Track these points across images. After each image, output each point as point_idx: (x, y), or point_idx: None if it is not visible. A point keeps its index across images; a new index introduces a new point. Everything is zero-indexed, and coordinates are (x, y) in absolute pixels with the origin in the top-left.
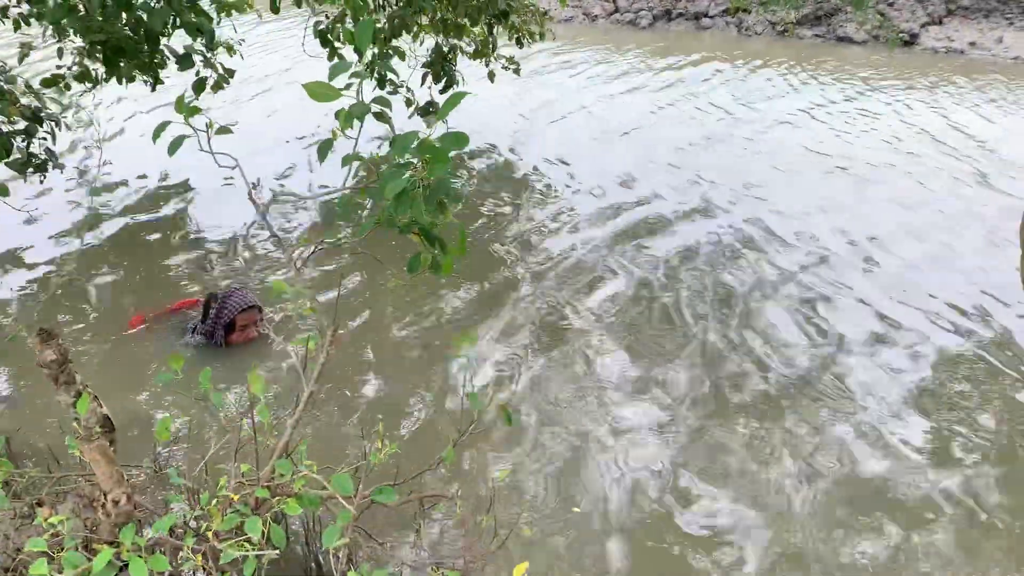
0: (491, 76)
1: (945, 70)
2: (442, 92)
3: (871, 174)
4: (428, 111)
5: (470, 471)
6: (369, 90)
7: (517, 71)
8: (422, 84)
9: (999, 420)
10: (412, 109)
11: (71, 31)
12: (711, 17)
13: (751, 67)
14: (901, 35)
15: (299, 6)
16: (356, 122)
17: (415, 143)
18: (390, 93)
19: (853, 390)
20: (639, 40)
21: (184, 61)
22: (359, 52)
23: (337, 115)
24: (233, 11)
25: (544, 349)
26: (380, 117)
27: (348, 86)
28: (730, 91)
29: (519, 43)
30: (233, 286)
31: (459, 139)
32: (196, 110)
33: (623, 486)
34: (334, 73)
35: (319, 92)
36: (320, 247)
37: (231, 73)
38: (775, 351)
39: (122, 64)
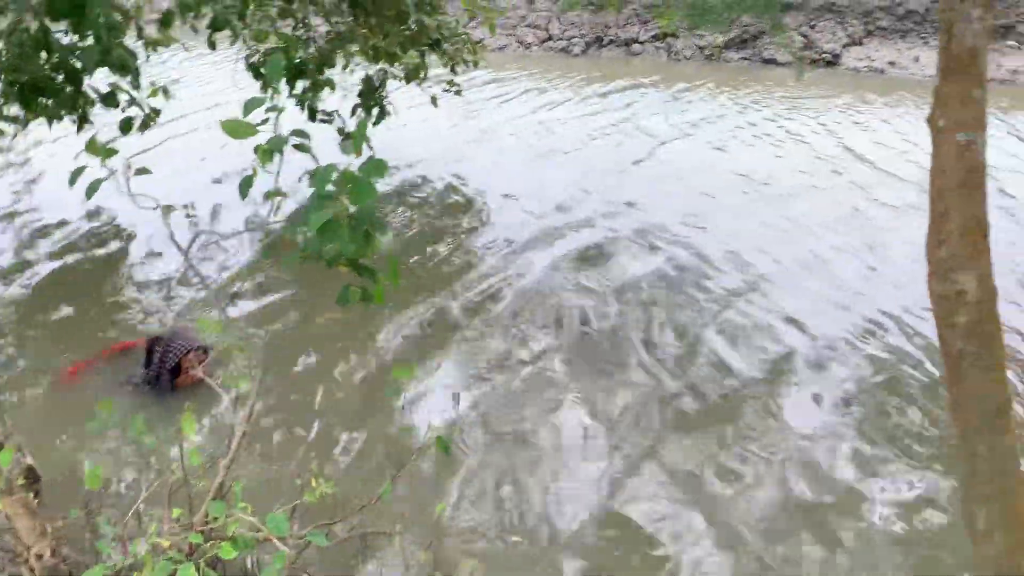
0: (434, 100)
1: (866, 88)
2: (375, 124)
3: (797, 194)
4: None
5: (410, 505)
6: (300, 122)
7: (459, 92)
8: (352, 115)
9: (924, 431)
10: (343, 139)
11: None
12: (641, 43)
13: (678, 91)
14: (823, 56)
15: (234, 42)
16: (277, 156)
17: (335, 174)
18: (323, 121)
19: (784, 411)
20: (572, 67)
21: (108, 100)
22: (274, 86)
23: (256, 150)
24: (158, 46)
25: (482, 377)
26: (301, 148)
27: (265, 121)
28: (660, 115)
29: (453, 71)
30: (175, 328)
31: (379, 167)
32: (112, 152)
33: (566, 514)
34: (249, 109)
35: (236, 129)
36: (244, 284)
37: (157, 112)
38: (714, 373)
39: (43, 104)
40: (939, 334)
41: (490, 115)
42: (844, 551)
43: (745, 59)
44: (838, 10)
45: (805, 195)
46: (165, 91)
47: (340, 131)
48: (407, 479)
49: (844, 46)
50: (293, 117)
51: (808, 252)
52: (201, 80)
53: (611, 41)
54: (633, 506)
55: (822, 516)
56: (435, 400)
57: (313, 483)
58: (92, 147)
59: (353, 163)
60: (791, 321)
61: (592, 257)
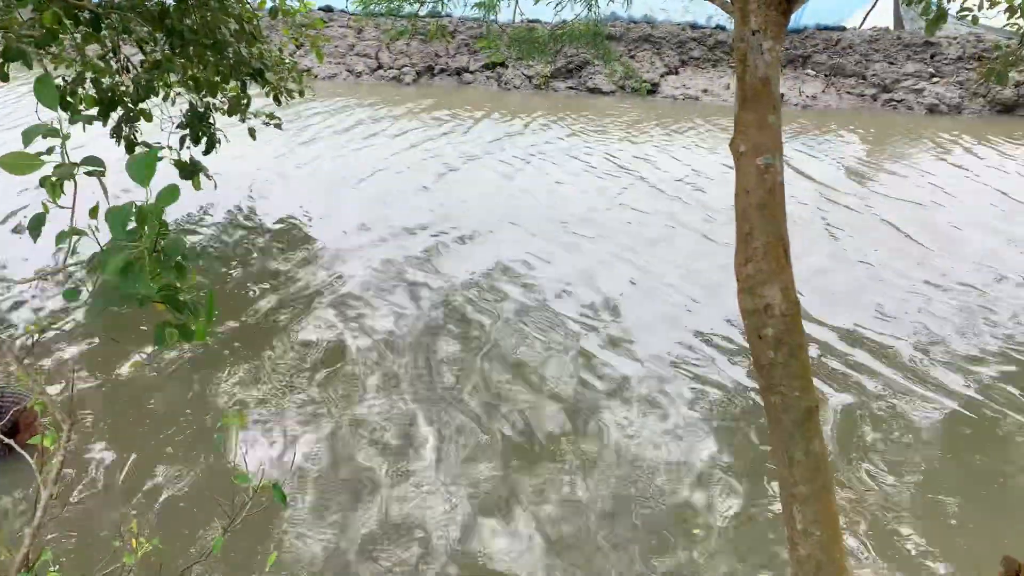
0: (251, 133)
1: (680, 115)
2: (205, 153)
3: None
4: (193, 171)
5: (244, 557)
6: (120, 154)
7: (279, 126)
8: (181, 147)
9: (740, 447)
10: (178, 168)
11: None
12: (472, 72)
13: (503, 119)
14: (645, 84)
15: (29, 68)
16: (70, 188)
17: (132, 212)
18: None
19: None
20: (404, 96)
21: None
22: (114, 108)
23: (42, 184)
24: None
25: (322, 418)
26: (93, 174)
27: (50, 150)
28: (473, 141)
29: (277, 100)
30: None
31: (170, 193)
32: None
33: (411, 557)
34: (29, 137)
35: (17, 164)
36: (45, 333)
37: None
38: (537, 400)
39: None
40: (750, 346)
41: (319, 145)
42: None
43: (572, 88)
44: (655, 41)
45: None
46: None
47: (177, 163)
48: (240, 529)
49: (662, 75)
50: (110, 151)
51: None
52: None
53: (442, 70)
54: (487, 541)
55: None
56: (266, 443)
57: (134, 543)
58: None
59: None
60: (619, 344)
61: (401, 277)
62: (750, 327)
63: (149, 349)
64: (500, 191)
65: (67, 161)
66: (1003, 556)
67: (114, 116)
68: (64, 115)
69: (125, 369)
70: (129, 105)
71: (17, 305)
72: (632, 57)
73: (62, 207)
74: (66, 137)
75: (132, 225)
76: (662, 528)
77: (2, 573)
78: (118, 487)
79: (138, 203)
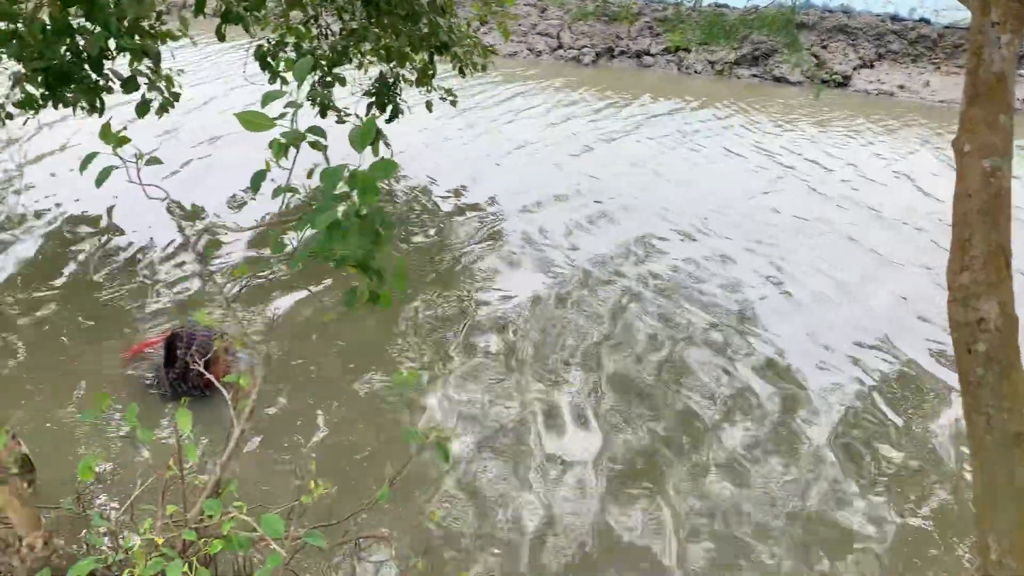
0: (428, 106)
1: (871, 110)
2: (388, 121)
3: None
4: (375, 138)
5: (406, 510)
6: (311, 118)
7: (454, 103)
8: (367, 113)
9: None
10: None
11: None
12: (652, 55)
13: (693, 106)
14: (834, 77)
15: (247, 31)
16: (291, 151)
17: (345, 173)
18: (337, 122)
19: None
20: (582, 77)
21: (128, 84)
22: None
23: (270, 145)
24: (168, 39)
25: (486, 384)
26: (315, 146)
27: (282, 115)
28: (674, 127)
29: (461, 73)
30: (186, 326)
31: (387, 167)
32: (124, 140)
33: (557, 526)
34: (267, 100)
35: (253, 121)
36: (252, 281)
37: (176, 96)
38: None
39: (65, 91)
40: (957, 361)
41: (499, 121)
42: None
43: (756, 76)
44: (850, 32)
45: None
46: (169, 80)
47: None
48: (404, 484)
49: (855, 68)
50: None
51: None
52: (208, 76)
53: (622, 52)
54: (624, 519)
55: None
56: (435, 405)
57: (312, 485)
58: (105, 134)
59: (364, 162)
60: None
61: (598, 268)
62: (959, 340)
63: (338, 307)
64: (684, 179)
65: (294, 127)
66: None
67: (310, 79)
68: (295, 85)
69: (316, 321)
70: (325, 70)
71: (228, 254)
72: (824, 47)
73: (283, 167)
74: (299, 106)
75: (343, 188)
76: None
77: (193, 496)
78: (295, 431)
79: (351, 167)
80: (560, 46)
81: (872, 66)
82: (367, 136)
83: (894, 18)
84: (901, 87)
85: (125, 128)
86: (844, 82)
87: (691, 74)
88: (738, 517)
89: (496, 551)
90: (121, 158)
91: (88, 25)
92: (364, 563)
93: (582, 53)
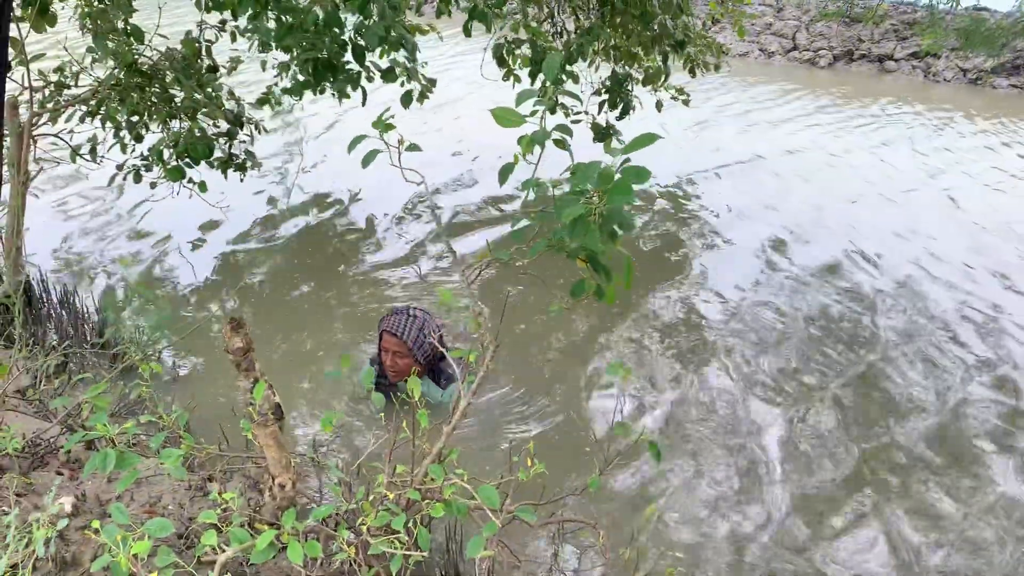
0: (659, 106)
1: None
2: (618, 119)
3: None
4: (607, 135)
5: (614, 502)
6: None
7: (686, 102)
8: (599, 112)
9: None
10: (592, 128)
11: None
12: (895, 60)
13: (942, 119)
14: None
15: (488, 29)
16: (536, 148)
17: (597, 173)
18: (573, 122)
19: None
20: (817, 81)
21: (388, 75)
22: (546, 81)
23: (519, 141)
24: (417, 32)
25: (699, 390)
26: (560, 144)
27: (532, 113)
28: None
29: (692, 73)
30: (406, 307)
31: (641, 174)
32: (391, 126)
33: (770, 537)
34: (521, 100)
35: (505, 117)
36: (490, 264)
37: (433, 83)
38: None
39: (331, 80)
40: None
41: (728, 127)
42: None
43: (1016, 87)
44: None
45: None
46: (412, 75)
47: (593, 126)
48: (613, 477)
49: None
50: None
51: None
52: (447, 72)
53: (862, 56)
54: (848, 541)
55: None
56: (648, 403)
57: (529, 462)
58: (377, 122)
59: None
60: None
61: (837, 293)
62: None
63: (563, 298)
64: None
65: (543, 127)
66: None
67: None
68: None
69: (540, 308)
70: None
71: (470, 238)
72: None
73: (529, 162)
74: (549, 106)
75: (588, 185)
76: None
77: (420, 458)
78: (511, 412)
79: (604, 164)
80: (795, 47)
81: None
82: (638, 145)
83: None
84: None
85: (392, 115)
86: None
87: (939, 81)
88: None
89: (712, 555)
90: (386, 143)
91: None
92: (569, 547)
93: (818, 55)
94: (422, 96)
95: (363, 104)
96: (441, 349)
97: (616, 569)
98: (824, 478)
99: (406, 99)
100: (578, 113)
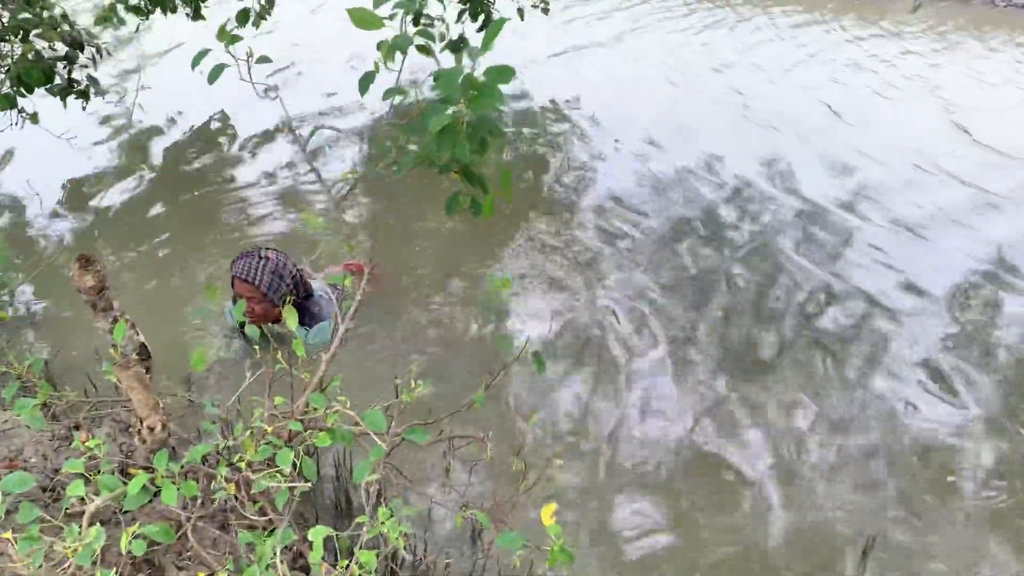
0: (520, 14)
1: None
2: (478, 30)
3: None
4: (459, 47)
5: (500, 414)
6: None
7: (546, 10)
8: (458, 20)
9: None
10: (443, 44)
11: None
12: None
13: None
14: None
15: None
16: (398, 55)
17: (461, 78)
18: (426, 26)
19: None
20: None
21: None
22: None
23: (379, 46)
24: None
25: (581, 299)
26: (423, 50)
27: (391, 16)
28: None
29: None
30: (256, 249)
31: (504, 72)
32: (236, 39)
33: (654, 434)
34: (379, 2)
35: (363, 19)
36: (359, 182)
37: (271, 3)
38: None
39: None
40: None
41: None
42: None
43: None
44: None
45: None
46: None
47: (441, 36)
48: (497, 391)
49: None
50: None
51: None
52: None
53: None
54: (717, 441)
55: None
56: (528, 314)
57: (412, 384)
58: (221, 34)
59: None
60: None
61: (704, 195)
62: None
63: (436, 215)
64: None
65: (404, 32)
66: None
67: None
68: None
69: (415, 227)
70: None
71: (332, 158)
72: None
73: (391, 69)
74: (409, 9)
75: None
76: None
77: (300, 389)
78: (398, 335)
79: (466, 70)
80: None
81: None
82: (493, 35)
83: None
84: None
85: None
86: None
87: None
88: None
89: (595, 457)
90: (233, 56)
91: None
92: (458, 463)
93: None
94: (260, 17)
95: (193, 19)
96: (304, 287)
97: (505, 479)
98: (705, 378)
99: (242, 17)
100: (437, 20)
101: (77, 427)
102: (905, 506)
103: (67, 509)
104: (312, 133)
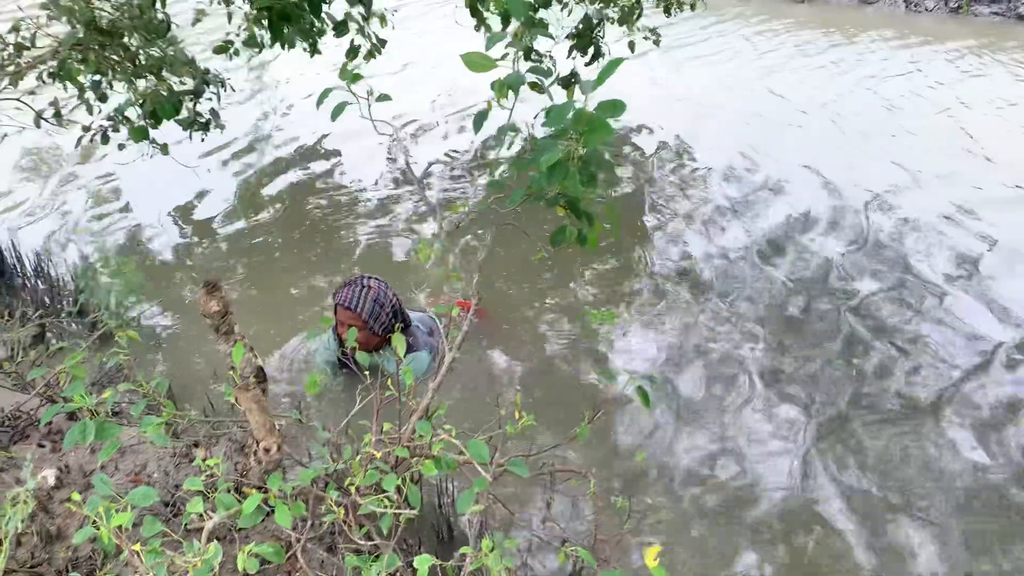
0: (631, 46)
1: None
2: (587, 64)
3: None
4: (570, 82)
5: (605, 450)
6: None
7: (657, 42)
8: (569, 55)
9: None
10: (552, 79)
11: None
12: None
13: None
14: None
15: None
16: (511, 93)
17: (571, 113)
18: (536, 62)
19: None
20: (794, 14)
21: (340, 28)
22: (509, 20)
23: (493, 86)
24: None
25: (689, 337)
26: (535, 87)
27: (504, 56)
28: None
29: (667, 11)
30: (359, 276)
31: (616, 107)
32: (358, 76)
33: (766, 480)
34: (491, 43)
35: (476, 62)
36: (470, 214)
37: (383, 43)
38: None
39: (286, 30)
40: None
41: (705, 67)
42: None
43: (998, 14)
44: None
45: None
46: (383, 18)
47: (548, 72)
48: (600, 426)
49: None
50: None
51: None
52: (420, 20)
53: None
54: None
55: None
56: (636, 349)
57: (517, 415)
58: (343, 73)
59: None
60: None
61: (805, 237)
62: None
63: (544, 246)
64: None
65: (516, 71)
66: None
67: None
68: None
69: (521, 258)
70: (530, 14)
71: (448, 190)
72: None
73: (504, 107)
74: (521, 48)
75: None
76: None
77: (407, 418)
78: (499, 364)
79: (578, 105)
80: None
81: None
82: (608, 73)
83: None
84: None
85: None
86: None
87: (920, 11)
88: None
89: (704, 499)
90: (355, 94)
91: None
92: (561, 497)
93: None
94: (370, 54)
95: (311, 56)
96: (403, 317)
97: (608, 515)
98: (815, 427)
99: (351, 54)
100: (546, 56)
101: (196, 445)
102: None
103: (187, 525)
104: (429, 167)
